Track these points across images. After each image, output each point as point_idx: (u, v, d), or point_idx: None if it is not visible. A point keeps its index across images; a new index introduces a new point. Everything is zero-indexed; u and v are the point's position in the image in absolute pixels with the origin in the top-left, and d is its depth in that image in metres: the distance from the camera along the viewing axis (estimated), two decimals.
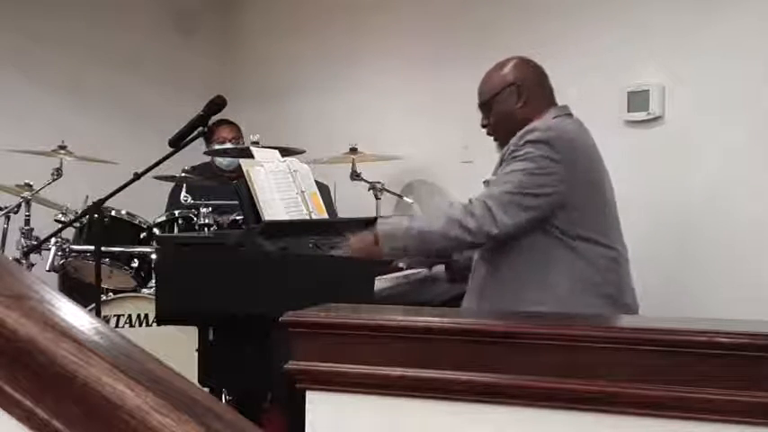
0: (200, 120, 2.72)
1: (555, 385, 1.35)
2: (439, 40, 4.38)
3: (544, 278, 2.36)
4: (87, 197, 3.44)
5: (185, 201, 3.63)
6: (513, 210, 2.34)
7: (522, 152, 2.38)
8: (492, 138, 2.66)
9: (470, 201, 2.39)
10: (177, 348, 3.06)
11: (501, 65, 2.64)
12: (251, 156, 2.90)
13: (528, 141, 2.38)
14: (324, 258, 2.48)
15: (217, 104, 2.76)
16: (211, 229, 3.53)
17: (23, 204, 3.63)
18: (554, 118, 2.52)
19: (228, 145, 4.24)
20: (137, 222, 3.67)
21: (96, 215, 2.94)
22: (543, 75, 2.64)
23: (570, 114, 2.59)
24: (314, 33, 4.92)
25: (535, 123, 2.46)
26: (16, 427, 0.89)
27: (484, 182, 2.55)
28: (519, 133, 2.44)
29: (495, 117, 2.61)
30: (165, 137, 2.76)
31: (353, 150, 4.15)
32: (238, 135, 4.36)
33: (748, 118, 3.32)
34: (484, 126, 2.66)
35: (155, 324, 2.93)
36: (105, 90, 4.83)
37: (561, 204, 2.37)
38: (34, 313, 0.91)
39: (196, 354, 2.62)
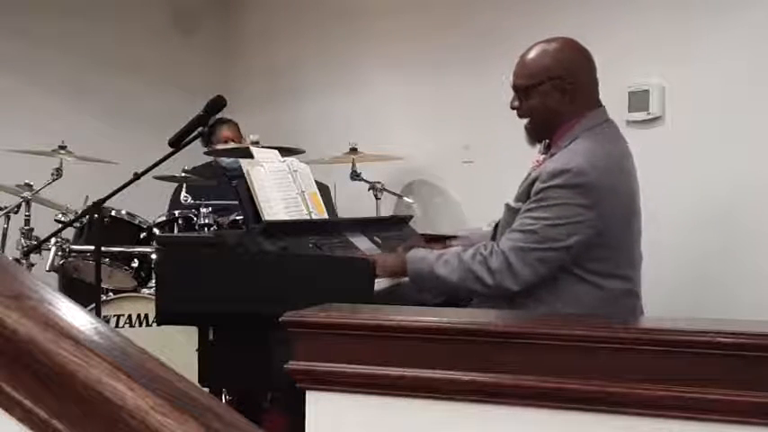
0: (201, 120, 2.72)
1: (555, 385, 1.35)
2: (439, 42, 4.37)
3: (558, 309, 2.30)
4: (87, 197, 3.44)
5: (185, 201, 3.63)
6: (536, 264, 2.22)
7: (551, 195, 2.22)
8: (522, 120, 2.43)
9: (492, 251, 2.26)
10: (177, 348, 3.06)
11: (548, 46, 2.38)
12: (251, 156, 2.90)
13: (559, 185, 2.22)
14: (324, 258, 2.48)
15: (217, 104, 2.76)
16: (211, 229, 3.53)
17: (23, 204, 3.62)
18: (586, 130, 2.32)
19: (232, 144, 4.24)
20: (137, 222, 3.67)
21: (96, 215, 2.94)
22: (593, 67, 2.41)
23: (607, 120, 2.40)
24: (315, 36, 4.92)
25: (570, 160, 2.25)
26: (16, 427, 0.89)
27: (506, 205, 2.41)
28: (554, 166, 2.25)
29: (531, 107, 2.37)
30: (165, 137, 2.76)
31: (353, 150, 4.14)
32: (239, 134, 4.37)
33: (748, 118, 3.32)
34: (514, 108, 2.42)
35: (155, 324, 2.92)
36: (105, 91, 4.83)
37: (587, 246, 2.25)
38: (34, 313, 0.91)
39: (196, 354, 2.62)
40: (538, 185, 2.26)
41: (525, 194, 2.32)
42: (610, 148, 2.36)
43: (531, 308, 2.31)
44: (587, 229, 2.23)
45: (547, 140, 2.46)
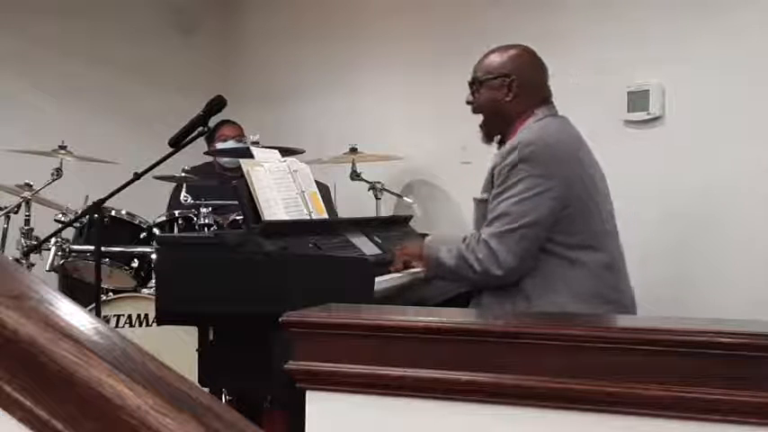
0: (200, 120, 2.72)
1: (555, 385, 1.35)
2: (439, 42, 4.37)
3: (545, 291, 2.38)
4: (87, 197, 3.44)
5: (185, 201, 3.63)
6: (515, 246, 2.36)
7: (510, 174, 2.39)
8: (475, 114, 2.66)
9: (478, 240, 2.40)
10: (177, 348, 3.06)
11: (503, 50, 2.62)
12: (251, 156, 2.90)
13: (514, 161, 2.39)
14: (324, 258, 2.48)
15: (217, 104, 2.75)
16: (211, 229, 3.53)
17: (23, 204, 3.62)
18: (537, 120, 2.51)
19: (231, 142, 4.26)
20: (137, 222, 3.67)
21: (96, 215, 2.94)
22: (542, 71, 2.63)
23: (555, 114, 2.57)
24: (315, 36, 4.92)
25: (519, 137, 2.45)
26: (16, 427, 0.89)
27: (474, 199, 2.58)
28: (506, 147, 2.46)
29: (481, 100, 2.61)
30: (165, 137, 2.76)
31: (353, 150, 4.14)
32: (241, 133, 4.38)
33: (747, 118, 3.32)
34: (469, 103, 2.66)
35: (155, 324, 2.92)
36: (106, 91, 4.83)
37: (557, 218, 2.39)
38: (34, 313, 0.91)
39: (196, 354, 2.62)
40: (496, 170, 2.44)
41: (488, 184, 2.49)
42: (559, 129, 2.53)
43: (516, 294, 2.39)
44: (551, 201, 2.37)
45: (500, 137, 2.62)
